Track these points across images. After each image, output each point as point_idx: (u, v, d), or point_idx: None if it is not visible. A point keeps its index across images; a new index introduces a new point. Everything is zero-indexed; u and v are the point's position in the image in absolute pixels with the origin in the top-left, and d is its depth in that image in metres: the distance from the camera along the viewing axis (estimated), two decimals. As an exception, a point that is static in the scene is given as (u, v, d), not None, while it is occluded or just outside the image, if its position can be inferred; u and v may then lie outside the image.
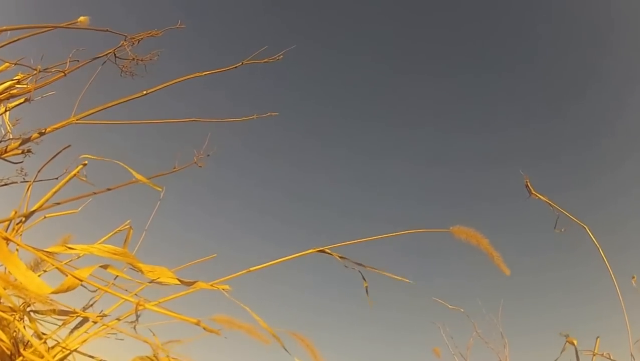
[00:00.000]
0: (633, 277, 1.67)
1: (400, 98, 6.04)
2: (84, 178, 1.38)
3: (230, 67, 1.35)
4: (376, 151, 6.06)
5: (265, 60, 1.37)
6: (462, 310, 1.53)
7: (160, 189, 1.38)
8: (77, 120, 1.44)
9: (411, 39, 5.98)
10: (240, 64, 1.36)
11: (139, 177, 1.31)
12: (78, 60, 1.48)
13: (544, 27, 5.68)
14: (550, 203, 1.38)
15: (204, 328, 1.24)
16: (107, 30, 1.46)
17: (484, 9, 5.75)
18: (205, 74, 1.34)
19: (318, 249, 1.22)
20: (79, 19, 1.49)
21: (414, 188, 5.85)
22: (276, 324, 1.37)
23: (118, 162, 1.31)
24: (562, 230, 1.40)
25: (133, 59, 1.47)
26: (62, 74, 1.50)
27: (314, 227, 5.46)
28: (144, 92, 1.36)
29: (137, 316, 1.25)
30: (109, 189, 1.39)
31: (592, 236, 1.42)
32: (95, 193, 1.38)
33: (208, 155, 1.48)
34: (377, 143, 6.06)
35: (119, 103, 1.38)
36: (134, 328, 1.26)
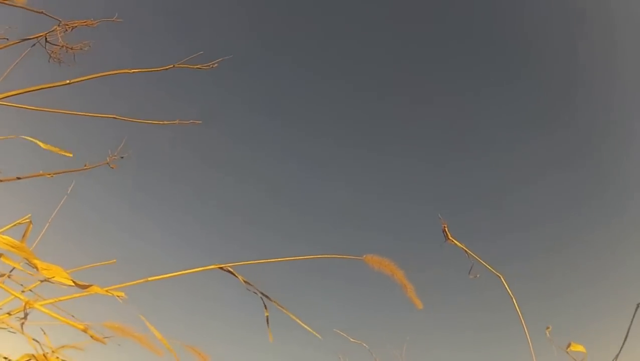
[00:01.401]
0: (547, 328, 1.67)
1: (331, 109, 5.79)
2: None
3: (160, 69, 1.31)
4: (311, 165, 5.79)
5: (197, 67, 1.33)
6: (364, 344, 1.52)
7: (70, 155, 1.32)
8: (-5, 101, 1.38)
9: (354, 43, 5.69)
10: (172, 66, 1.32)
11: (45, 146, 1.25)
12: (7, 39, 1.42)
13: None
14: (465, 250, 1.37)
15: (91, 336, 1.20)
16: (41, 12, 1.40)
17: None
18: (134, 72, 1.29)
19: (219, 266, 1.18)
20: (14, -4, 1.43)
21: (342, 210, 5.63)
22: (176, 335, 1.32)
23: (26, 137, 1.24)
24: (477, 275, 1.39)
25: (63, 46, 1.42)
26: (-11, 51, 1.44)
27: (233, 239, 5.25)
28: (67, 81, 1.30)
29: (26, 315, 1.20)
30: (18, 178, 1.33)
31: (506, 286, 1.42)
32: (1, 180, 1.32)
33: (122, 157, 1.43)
34: (312, 155, 5.78)
35: (38, 89, 1.32)
36: (21, 326, 1.21)
